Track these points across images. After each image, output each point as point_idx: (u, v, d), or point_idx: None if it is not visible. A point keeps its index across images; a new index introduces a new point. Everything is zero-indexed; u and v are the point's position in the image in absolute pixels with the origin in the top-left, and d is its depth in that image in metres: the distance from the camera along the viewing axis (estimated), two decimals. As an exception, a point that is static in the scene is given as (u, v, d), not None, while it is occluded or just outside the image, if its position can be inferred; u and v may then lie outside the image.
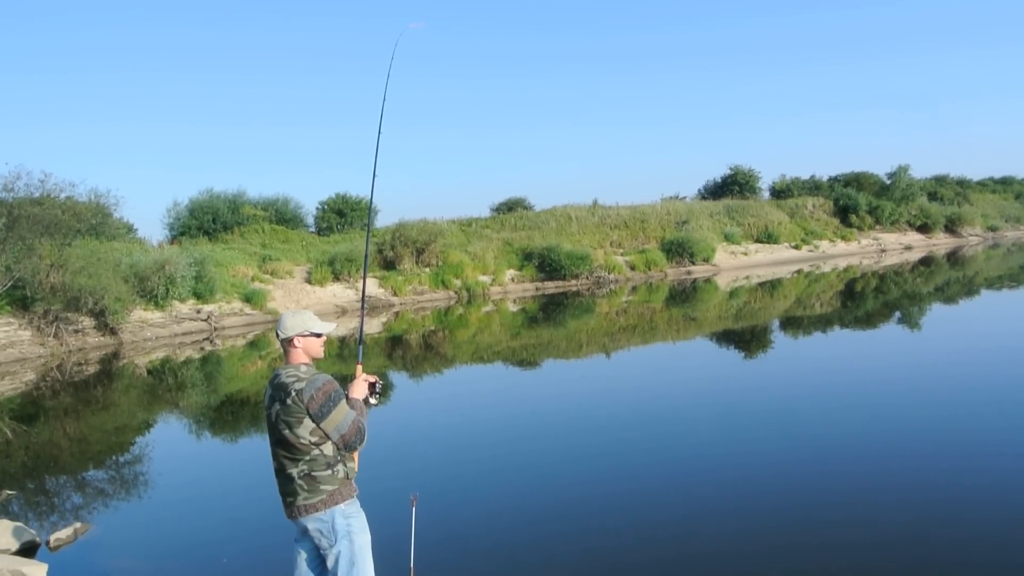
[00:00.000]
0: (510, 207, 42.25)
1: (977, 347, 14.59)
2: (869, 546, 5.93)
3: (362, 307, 5.09)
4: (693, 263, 35.70)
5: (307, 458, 3.76)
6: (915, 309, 21.27)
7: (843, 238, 43.80)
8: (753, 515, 6.72)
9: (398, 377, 15.40)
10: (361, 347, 4.60)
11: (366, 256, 5.62)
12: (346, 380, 4.23)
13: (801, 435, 9.18)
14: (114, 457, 11.04)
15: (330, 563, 3.87)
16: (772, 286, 29.71)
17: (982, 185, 62.56)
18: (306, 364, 3.92)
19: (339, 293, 27.78)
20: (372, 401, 4.25)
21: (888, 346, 15.79)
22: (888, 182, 48.53)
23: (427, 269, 30.53)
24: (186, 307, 23.53)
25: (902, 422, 9.45)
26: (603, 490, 7.64)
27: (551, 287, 31.69)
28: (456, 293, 29.89)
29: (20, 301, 20.40)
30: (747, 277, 33.22)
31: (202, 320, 23.29)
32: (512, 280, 32.08)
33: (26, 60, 70.12)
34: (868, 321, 19.56)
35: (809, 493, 7.17)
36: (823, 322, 19.68)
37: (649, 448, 9.13)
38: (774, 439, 9.06)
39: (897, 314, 20.72)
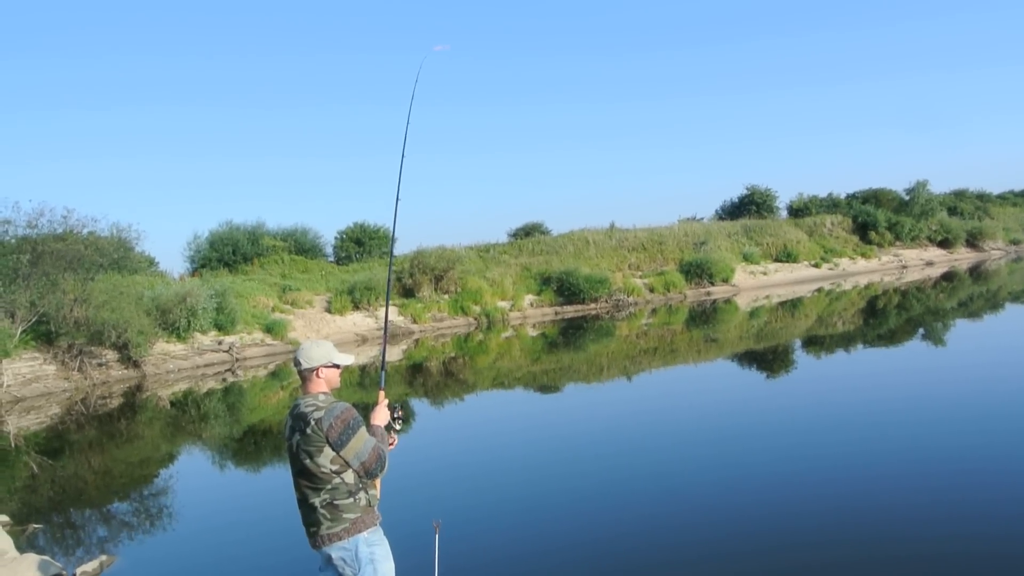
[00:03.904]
0: (527, 232, 42.31)
1: (1003, 362, 14.38)
2: (883, 563, 5.84)
3: (384, 333, 5.10)
4: (712, 284, 35.53)
5: (329, 487, 3.77)
6: (939, 326, 21.04)
7: (863, 255, 43.44)
8: (782, 537, 6.64)
9: (420, 404, 15.39)
10: (383, 373, 4.61)
11: (388, 282, 5.64)
12: (368, 408, 4.24)
13: (829, 456, 9.08)
14: (139, 489, 11.09)
15: (354, 591, 3.85)
16: (793, 305, 29.50)
17: (1002, 198, 61.94)
18: (324, 393, 3.95)
19: (359, 322, 27.87)
20: (396, 427, 4.26)
21: (912, 363, 15.61)
22: (907, 198, 48.14)
23: (446, 296, 30.57)
24: (208, 339, 23.69)
25: (932, 440, 9.33)
26: (628, 515, 7.58)
27: (570, 311, 31.64)
28: (475, 319, 29.90)
29: (45, 336, 20.63)
30: (767, 297, 33.02)
31: (223, 351, 23.43)
32: (531, 305, 32.06)
33: (47, 96, 71.44)
34: (891, 339, 19.36)
35: (840, 512, 7.08)
36: (845, 341, 19.50)
37: (675, 472, 9.06)
38: (799, 460, 8.97)
39: (921, 331, 20.49)
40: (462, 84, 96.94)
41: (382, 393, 4.33)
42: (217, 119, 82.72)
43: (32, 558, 7.01)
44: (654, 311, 30.79)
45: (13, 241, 21.09)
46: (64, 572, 6.98)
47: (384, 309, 26.87)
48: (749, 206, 47.31)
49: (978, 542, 6.23)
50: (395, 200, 5.45)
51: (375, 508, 3.94)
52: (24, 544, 7.96)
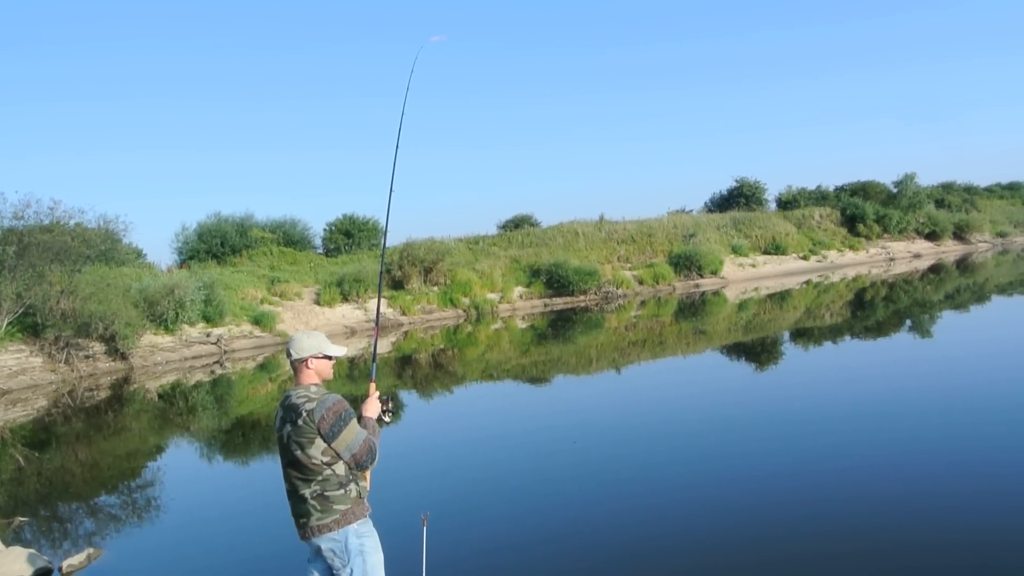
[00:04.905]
0: (517, 224, 42.29)
1: (989, 353, 14.48)
2: (872, 555, 5.87)
3: (376, 324, 5.08)
4: (701, 276, 35.64)
5: (319, 478, 3.76)
6: (926, 318, 21.16)
7: (851, 247, 43.65)
8: (770, 527, 6.67)
9: (408, 396, 15.38)
10: (374, 365, 4.58)
11: (381, 273, 5.61)
12: (358, 400, 4.22)
13: (816, 448, 9.12)
14: (126, 482, 11.04)
15: (343, 583, 3.84)
16: (781, 297, 29.60)
17: (989, 191, 62.36)
18: (316, 385, 3.93)
19: (348, 314, 27.80)
20: (386, 419, 4.24)
21: (900, 355, 15.70)
22: (895, 190, 48.42)
23: (435, 288, 30.53)
24: (196, 331, 23.58)
25: (920, 431, 9.38)
26: (616, 507, 7.60)
27: (559, 303, 31.66)
28: (465, 311, 29.88)
29: (31, 328, 20.49)
30: (756, 289, 33.13)
31: (212, 343, 23.33)
32: (520, 297, 32.07)
33: (34, 89, 70.86)
34: (879, 331, 19.46)
35: (828, 504, 7.12)
36: (834, 333, 19.59)
37: (663, 463, 9.08)
38: (788, 451, 9.00)
39: (908, 323, 20.61)
40: (451, 76, 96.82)
41: (373, 385, 4.31)
42: (206, 111, 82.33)
43: (18, 551, 6.97)
44: (643, 303, 30.85)
45: (-1, 232, 20.92)
46: (51, 565, 6.95)
47: (375, 300, 26.59)
48: (738, 198, 47.44)
49: (966, 533, 6.27)
50: (388, 192, 5.37)
51: (365, 500, 3.93)
52: (10, 537, 7.91)
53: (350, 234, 35.32)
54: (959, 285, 29.33)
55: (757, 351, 17.87)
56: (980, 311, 21.95)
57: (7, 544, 7.43)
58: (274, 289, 27.94)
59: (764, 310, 25.91)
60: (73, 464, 12.23)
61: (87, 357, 20.83)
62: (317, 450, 3.72)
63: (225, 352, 23.07)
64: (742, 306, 27.70)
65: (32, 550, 7.07)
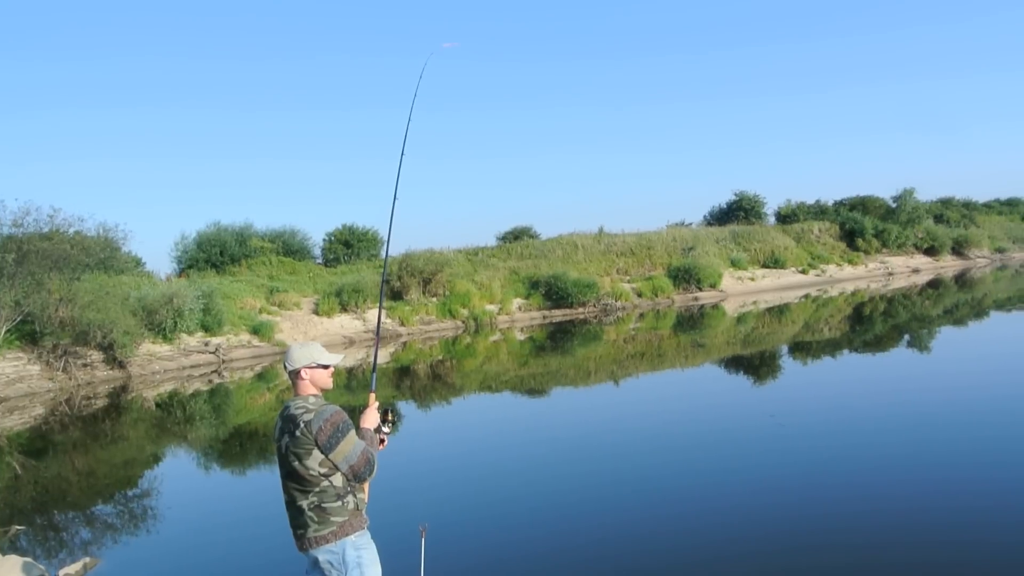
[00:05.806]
0: (516, 236, 42.29)
1: (988, 370, 14.48)
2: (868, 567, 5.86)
3: (376, 335, 5.06)
4: (700, 289, 35.66)
5: (317, 490, 3.75)
6: (924, 332, 21.18)
7: (850, 262, 43.72)
8: (765, 541, 6.66)
9: (407, 407, 15.36)
10: (374, 376, 4.56)
11: (383, 281, 5.61)
12: (356, 411, 4.21)
13: (815, 461, 9.11)
14: (123, 491, 11.01)
15: (340, 595, 3.83)
16: (780, 311, 29.61)
17: (988, 207, 62.51)
18: (315, 395, 3.91)
19: (346, 324, 27.78)
20: (385, 430, 4.22)
21: (898, 370, 15.70)
22: (894, 205, 48.57)
23: (434, 299, 30.51)
24: (194, 340, 23.56)
25: (920, 446, 9.38)
26: (615, 519, 7.58)
27: (558, 315, 31.65)
28: (463, 322, 29.85)
29: (29, 336, 20.47)
30: (754, 302, 33.14)
31: (210, 353, 23.31)
32: (519, 309, 32.06)
33: (35, 95, 70.96)
34: (877, 345, 19.46)
35: (829, 518, 7.11)
36: (832, 347, 19.59)
37: (661, 476, 9.06)
38: (785, 465, 8.99)
39: (907, 338, 20.62)
40: (451, 87, 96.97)
41: (372, 396, 4.30)
42: (206, 120, 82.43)
43: (14, 560, 6.94)
44: (642, 316, 30.85)
45: (-2, 240, 20.91)
46: (47, 574, 6.92)
47: (373, 311, 26.50)
48: (737, 212, 47.54)
49: (972, 548, 6.26)
50: (392, 199, 5.32)
51: (363, 512, 3.92)
52: (6, 546, 7.89)
53: (349, 244, 35.36)
54: (957, 300, 29.37)
55: (756, 364, 17.87)
56: (979, 326, 21.96)
57: (3, 553, 7.41)
58: (273, 299, 27.93)
59: (763, 324, 25.92)
60: (70, 472, 12.20)
61: (85, 365, 20.80)
62: (315, 461, 3.71)
63: (223, 361, 23.04)
64: (741, 319, 27.71)
65: (28, 559, 7.05)
